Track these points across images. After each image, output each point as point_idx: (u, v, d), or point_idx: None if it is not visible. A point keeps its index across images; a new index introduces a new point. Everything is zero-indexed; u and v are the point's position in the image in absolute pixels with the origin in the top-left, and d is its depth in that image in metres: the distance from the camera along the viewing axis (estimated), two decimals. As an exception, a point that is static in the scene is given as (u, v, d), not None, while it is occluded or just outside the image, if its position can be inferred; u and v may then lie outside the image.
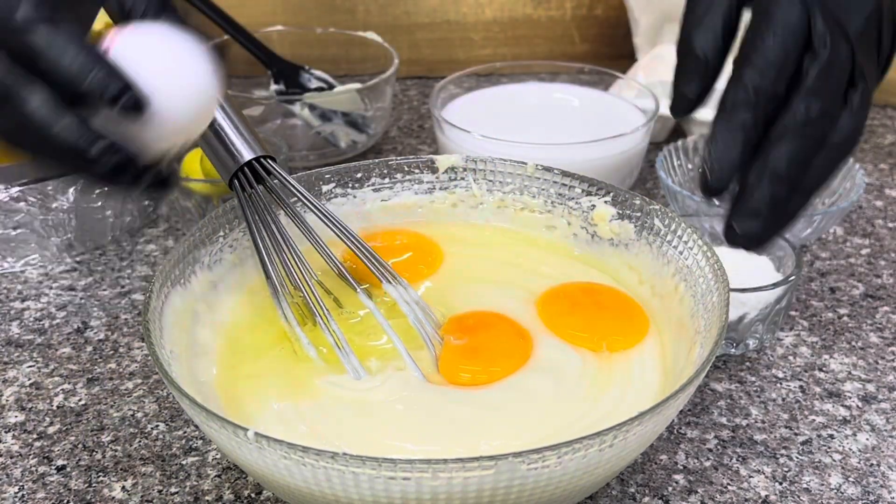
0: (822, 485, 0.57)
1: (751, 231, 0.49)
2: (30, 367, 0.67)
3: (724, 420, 0.62)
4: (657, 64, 0.94)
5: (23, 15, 0.42)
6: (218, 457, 0.59)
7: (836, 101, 0.49)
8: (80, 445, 0.60)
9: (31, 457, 0.59)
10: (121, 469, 0.58)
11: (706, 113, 0.88)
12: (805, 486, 0.57)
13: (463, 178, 0.67)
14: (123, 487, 0.57)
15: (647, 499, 0.56)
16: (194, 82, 0.46)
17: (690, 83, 0.51)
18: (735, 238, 0.50)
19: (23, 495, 0.56)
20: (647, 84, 0.90)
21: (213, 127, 0.56)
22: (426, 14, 1.07)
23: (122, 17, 0.47)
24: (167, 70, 0.45)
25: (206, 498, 0.56)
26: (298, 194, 0.58)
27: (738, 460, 0.59)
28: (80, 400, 0.64)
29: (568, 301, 0.61)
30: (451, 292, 0.61)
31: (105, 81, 0.42)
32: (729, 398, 0.64)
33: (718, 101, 0.50)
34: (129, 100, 0.43)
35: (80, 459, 0.59)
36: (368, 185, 0.67)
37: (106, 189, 0.48)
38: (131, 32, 0.46)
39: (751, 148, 0.49)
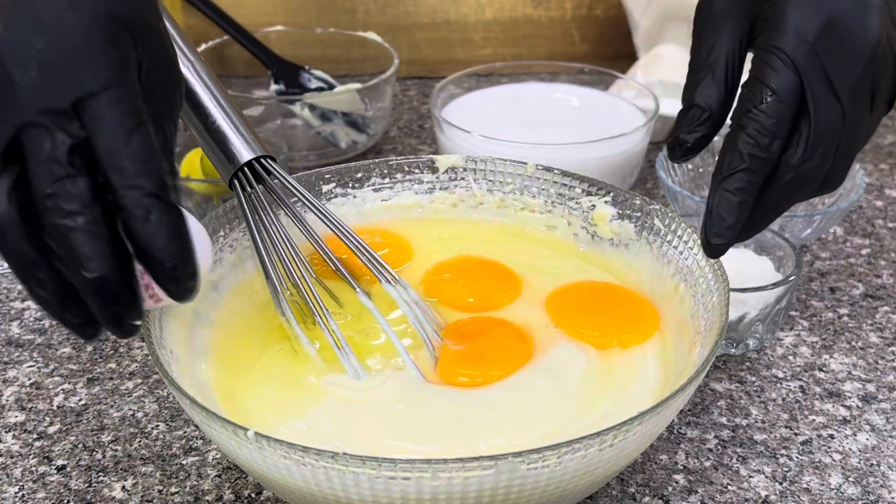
0: (822, 485, 0.57)
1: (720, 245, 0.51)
2: (30, 366, 0.67)
3: (724, 420, 0.62)
4: (657, 64, 0.94)
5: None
6: (218, 457, 0.59)
7: (826, 159, 0.50)
8: (80, 445, 0.60)
9: (31, 457, 0.59)
10: (121, 469, 0.58)
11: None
12: (805, 486, 0.57)
13: (463, 178, 0.67)
14: (123, 487, 0.57)
15: (647, 499, 0.56)
16: (206, 264, 0.47)
17: (692, 132, 0.52)
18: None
19: (23, 495, 0.56)
20: (647, 84, 0.90)
21: (214, 127, 0.56)
22: (426, 14, 1.07)
23: None
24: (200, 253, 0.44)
25: (206, 498, 0.56)
26: (298, 194, 0.58)
27: (738, 460, 0.59)
28: (80, 400, 0.64)
29: (578, 299, 0.61)
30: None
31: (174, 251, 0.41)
32: (729, 398, 0.64)
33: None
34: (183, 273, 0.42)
35: (80, 459, 0.59)
36: (368, 185, 0.67)
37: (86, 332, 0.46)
38: None
39: (747, 209, 0.50)
